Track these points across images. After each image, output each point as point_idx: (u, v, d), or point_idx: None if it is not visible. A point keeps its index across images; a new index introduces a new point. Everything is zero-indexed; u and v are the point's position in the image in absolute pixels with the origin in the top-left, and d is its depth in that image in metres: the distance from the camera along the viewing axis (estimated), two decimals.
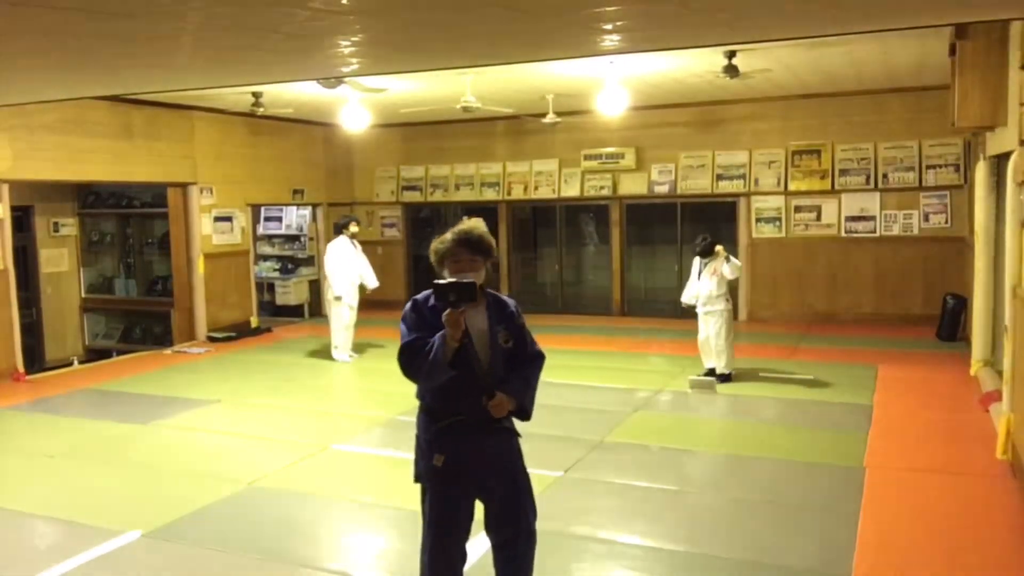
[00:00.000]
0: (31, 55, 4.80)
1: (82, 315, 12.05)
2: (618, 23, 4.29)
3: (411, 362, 3.09)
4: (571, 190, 12.52)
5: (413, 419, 3.34)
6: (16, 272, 9.16)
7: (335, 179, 13.55)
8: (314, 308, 13.20)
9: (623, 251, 12.54)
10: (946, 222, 10.64)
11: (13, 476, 5.81)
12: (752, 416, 6.96)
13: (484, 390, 3.12)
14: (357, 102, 9.77)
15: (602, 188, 12.32)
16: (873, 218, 10.98)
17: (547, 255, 13.46)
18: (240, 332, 11.22)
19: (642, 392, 7.63)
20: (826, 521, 4.60)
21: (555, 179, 12.63)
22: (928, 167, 10.69)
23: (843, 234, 11.14)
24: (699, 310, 7.86)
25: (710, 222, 11.50)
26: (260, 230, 13.45)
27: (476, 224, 3.25)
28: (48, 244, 11.52)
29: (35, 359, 10.81)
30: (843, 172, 11.07)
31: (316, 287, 12.98)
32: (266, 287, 13.18)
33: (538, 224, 13.66)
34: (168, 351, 10.52)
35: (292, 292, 12.99)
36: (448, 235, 3.22)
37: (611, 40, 4.82)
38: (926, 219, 10.76)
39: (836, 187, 11.10)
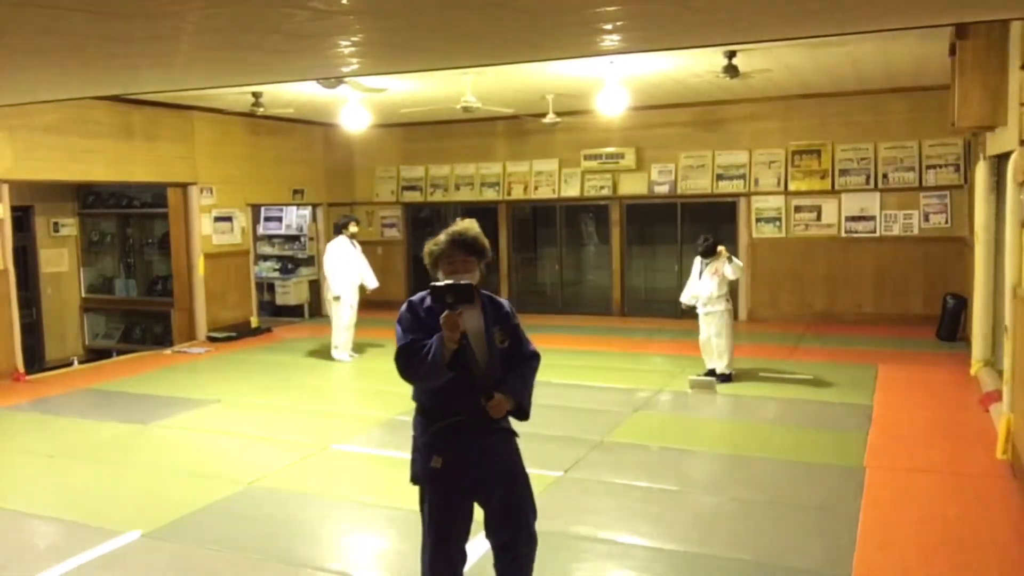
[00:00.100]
0: (31, 55, 4.79)
1: (82, 315, 12.06)
2: (618, 23, 4.29)
3: (408, 364, 3.08)
4: (571, 190, 12.53)
5: (413, 419, 3.34)
6: (16, 272, 9.16)
7: (335, 179, 13.55)
8: (314, 308, 13.20)
9: (623, 251, 12.54)
10: (946, 222, 10.65)
11: (13, 476, 5.82)
12: (752, 416, 6.96)
13: (482, 391, 3.11)
14: (357, 102, 9.77)
15: (602, 188, 12.32)
16: (873, 218, 10.98)
17: (547, 255, 13.46)
18: (240, 332, 11.22)
19: (642, 392, 7.63)
20: (826, 521, 4.60)
21: (555, 179, 12.64)
22: (928, 167, 10.69)
23: (843, 234, 11.14)
24: (700, 311, 7.86)
25: (710, 222, 11.51)
26: (260, 230, 13.45)
27: (470, 225, 3.24)
28: (48, 244, 11.53)
29: (35, 359, 10.81)
30: (843, 172, 11.07)
31: (316, 287, 12.98)
32: (266, 287, 13.18)
33: (538, 224, 13.66)
34: (168, 351, 10.53)
35: (292, 292, 13.00)
36: (442, 236, 3.21)
37: (611, 40, 4.82)
38: (926, 219, 10.77)
39: (836, 187, 11.10)
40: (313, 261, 13.09)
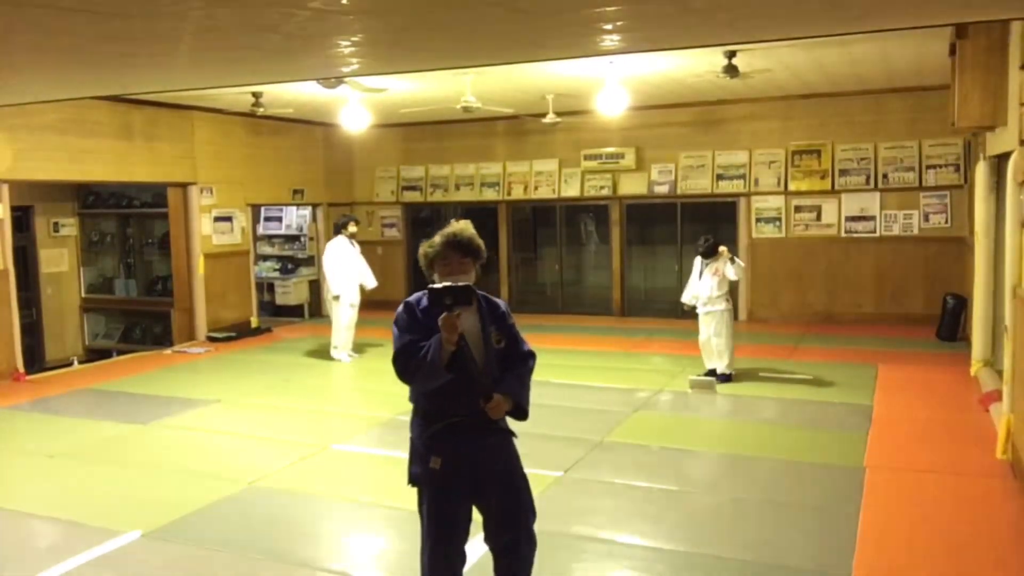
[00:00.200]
0: (32, 55, 4.80)
1: (82, 315, 12.06)
2: (618, 23, 4.29)
3: (406, 366, 3.07)
4: (571, 190, 12.52)
5: (410, 420, 3.33)
6: (16, 272, 9.16)
7: (335, 179, 13.55)
8: (314, 308, 13.20)
9: (623, 251, 12.54)
10: (946, 222, 10.65)
11: (13, 476, 5.82)
12: (752, 416, 6.96)
13: (480, 391, 3.10)
14: (357, 102, 9.77)
15: (602, 188, 12.32)
16: (873, 218, 10.98)
17: (547, 255, 13.46)
18: (240, 332, 11.22)
19: (642, 392, 7.63)
20: (826, 521, 4.60)
21: (555, 179, 12.63)
22: (928, 167, 10.69)
23: (843, 234, 11.14)
24: (699, 310, 7.86)
25: (710, 222, 11.51)
26: (260, 230, 13.45)
27: (465, 226, 3.23)
28: (48, 244, 11.52)
29: (35, 359, 10.81)
30: (843, 172, 11.07)
31: (316, 287, 12.98)
32: (266, 287, 13.19)
33: (538, 224, 13.66)
34: (168, 351, 10.53)
35: (292, 292, 13.00)
36: (437, 238, 3.20)
37: (611, 40, 4.82)
38: (926, 219, 10.77)
39: (836, 187, 11.10)
40: (313, 261, 13.09)
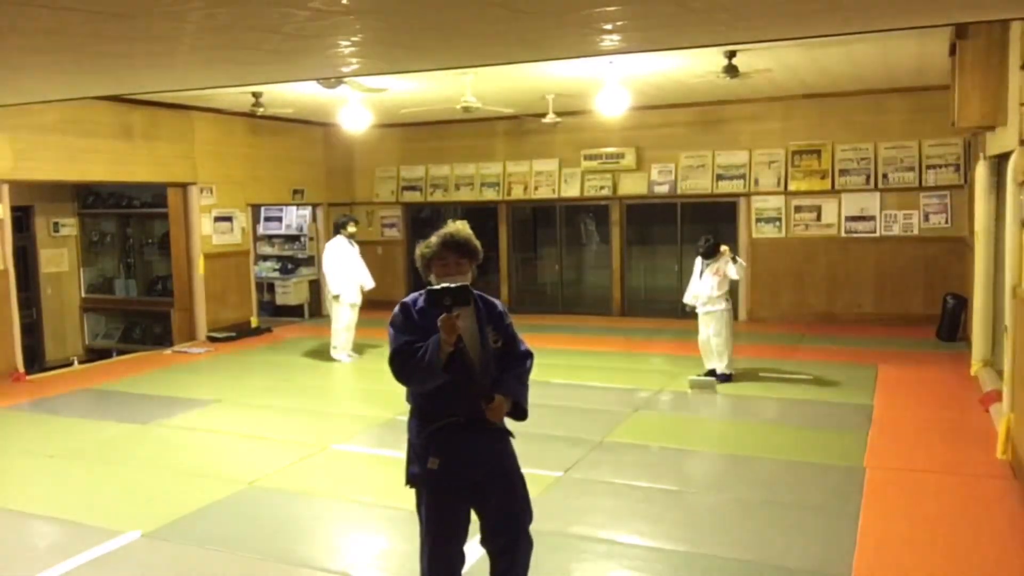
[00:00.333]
0: (31, 55, 4.79)
1: (82, 315, 12.06)
2: (618, 23, 4.29)
3: (404, 367, 3.07)
4: (571, 190, 12.52)
5: (407, 421, 3.33)
6: (16, 272, 9.16)
7: (335, 179, 13.55)
8: (314, 308, 13.21)
9: (623, 251, 12.54)
10: (946, 222, 10.65)
11: (13, 476, 5.82)
12: (752, 416, 6.96)
13: (477, 392, 3.10)
14: (357, 102, 9.77)
15: (602, 188, 12.32)
16: (873, 218, 10.98)
17: (547, 255, 13.46)
18: (240, 332, 11.22)
19: (642, 392, 7.63)
20: (826, 521, 4.60)
21: (555, 179, 12.63)
22: (928, 167, 10.69)
23: (843, 234, 11.14)
24: (699, 310, 7.86)
25: (710, 222, 11.51)
26: (260, 230, 13.46)
27: (461, 226, 3.23)
28: (48, 244, 11.53)
29: (35, 359, 10.82)
30: (843, 172, 11.07)
31: (316, 287, 12.99)
32: (266, 287, 13.19)
33: (538, 224, 13.66)
34: (168, 351, 10.53)
35: (292, 292, 13.00)
36: (433, 238, 3.20)
37: (611, 40, 4.82)
38: (926, 219, 10.77)
39: (836, 187, 11.10)
40: (313, 261, 13.09)
